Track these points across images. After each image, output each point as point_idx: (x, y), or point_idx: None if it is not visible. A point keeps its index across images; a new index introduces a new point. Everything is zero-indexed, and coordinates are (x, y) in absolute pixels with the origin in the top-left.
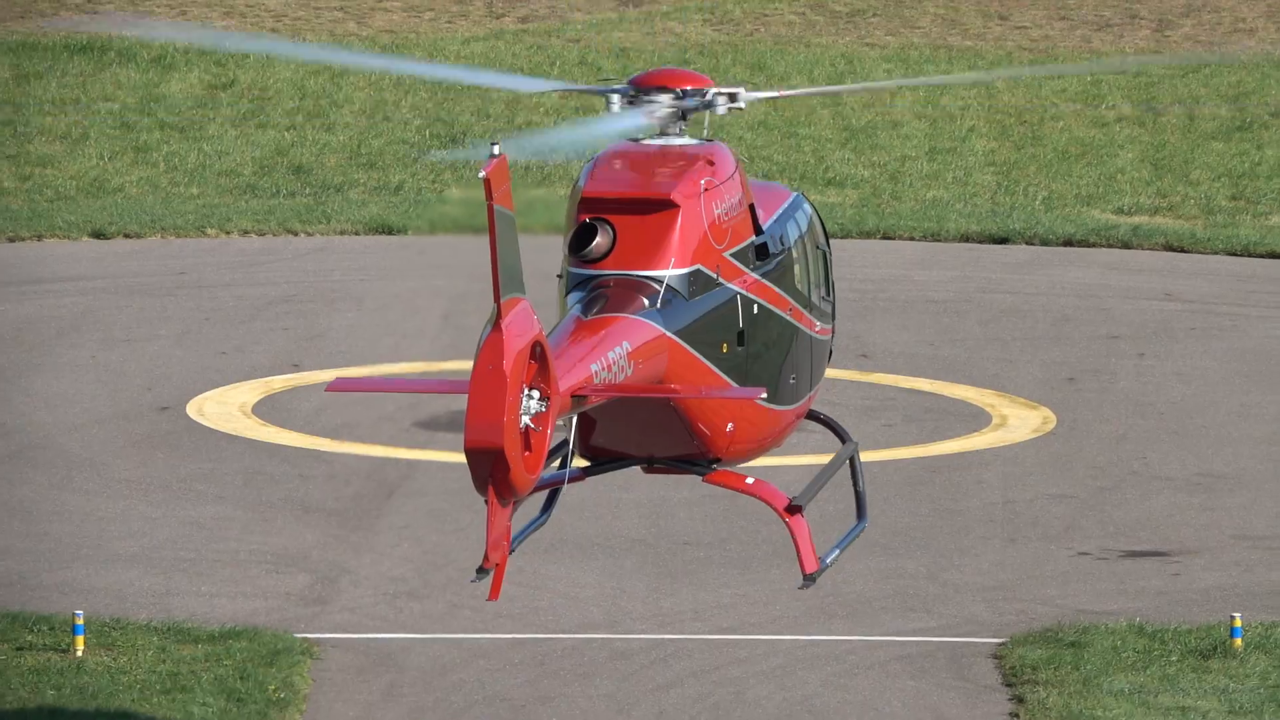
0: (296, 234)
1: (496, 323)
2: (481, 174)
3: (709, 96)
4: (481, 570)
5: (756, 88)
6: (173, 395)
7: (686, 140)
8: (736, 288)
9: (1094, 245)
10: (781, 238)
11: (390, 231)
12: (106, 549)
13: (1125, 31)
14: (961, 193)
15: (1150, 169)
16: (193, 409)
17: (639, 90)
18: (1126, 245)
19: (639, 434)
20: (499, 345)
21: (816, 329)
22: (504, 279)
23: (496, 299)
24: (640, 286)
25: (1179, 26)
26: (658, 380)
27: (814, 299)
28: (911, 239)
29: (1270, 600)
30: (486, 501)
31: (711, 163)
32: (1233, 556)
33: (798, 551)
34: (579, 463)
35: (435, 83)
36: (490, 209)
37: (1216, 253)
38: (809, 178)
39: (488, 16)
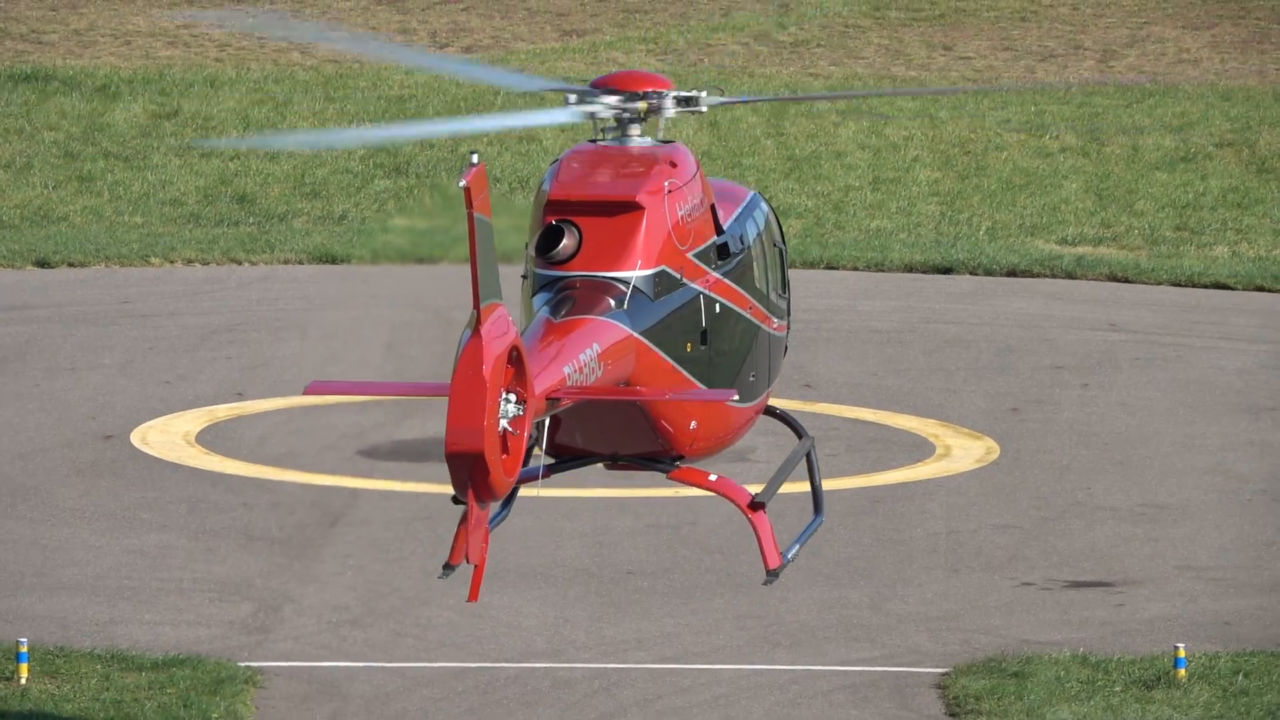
0: (240, 263)
1: (476, 328)
2: (462, 183)
3: (669, 99)
4: (448, 566)
5: (719, 93)
6: (117, 424)
7: (646, 141)
8: (699, 288)
9: (1038, 275)
10: (741, 237)
11: (334, 261)
12: (50, 577)
13: (1069, 62)
14: (905, 223)
15: (1094, 199)
16: (137, 437)
17: (600, 91)
18: (1070, 276)
19: (605, 432)
20: (478, 351)
21: (774, 325)
22: (483, 285)
23: (476, 305)
24: (607, 288)
25: (1123, 57)
26: (626, 380)
27: (771, 297)
28: (855, 269)
29: (1214, 631)
30: (465, 504)
31: (674, 164)
32: (1177, 587)
33: (760, 547)
34: (545, 460)
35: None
36: (470, 217)
37: (1160, 283)
38: None
39: (431, 46)
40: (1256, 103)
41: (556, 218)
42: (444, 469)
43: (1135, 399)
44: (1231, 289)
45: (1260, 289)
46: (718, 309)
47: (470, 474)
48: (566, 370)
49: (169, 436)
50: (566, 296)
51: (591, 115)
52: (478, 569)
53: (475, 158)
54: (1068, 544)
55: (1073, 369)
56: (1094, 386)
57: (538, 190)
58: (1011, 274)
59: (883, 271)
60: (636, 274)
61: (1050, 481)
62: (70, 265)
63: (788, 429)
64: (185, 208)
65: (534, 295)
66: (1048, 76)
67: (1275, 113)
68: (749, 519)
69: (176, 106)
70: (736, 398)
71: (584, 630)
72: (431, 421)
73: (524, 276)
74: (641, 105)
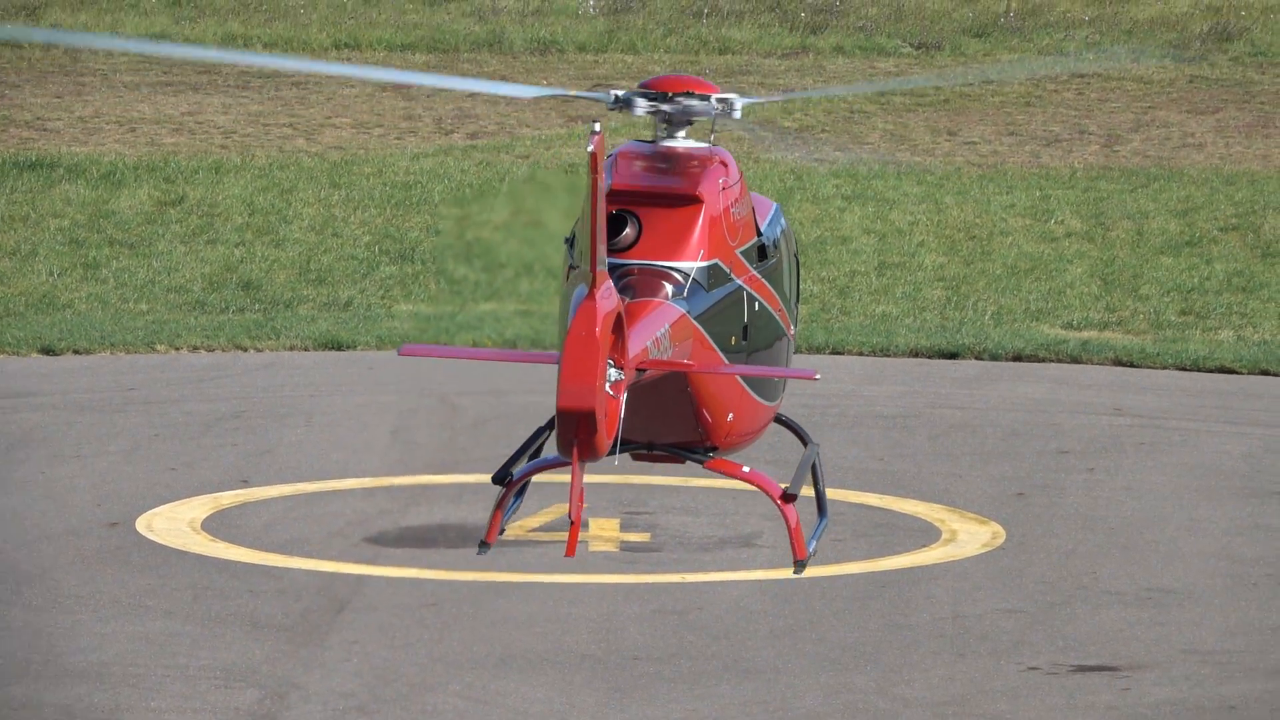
0: (246, 350)
1: (591, 292)
2: (590, 148)
3: (712, 102)
4: (484, 544)
5: (749, 95)
6: (122, 511)
7: (691, 143)
8: (743, 283)
9: (1043, 360)
10: (775, 241)
11: (339, 347)
12: (55, 664)
13: (1074, 147)
14: (911, 307)
15: (1099, 284)
16: (142, 524)
17: (650, 93)
18: (1076, 360)
19: (645, 420)
20: (593, 313)
21: (791, 331)
22: (598, 252)
23: (594, 268)
24: (666, 276)
25: (1128, 141)
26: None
27: (793, 302)
28: (860, 354)
29: (1220, 715)
30: (570, 463)
31: (725, 164)
32: (1183, 671)
33: (791, 538)
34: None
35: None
36: (595, 182)
37: (1166, 367)
38: None
39: (436, 133)
40: (1261, 187)
41: (617, 208)
42: (448, 555)
43: (1141, 483)
44: (1237, 373)
45: (1266, 373)
46: (756, 306)
47: (578, 431)
48: (648, 344)
49: (174, 523)
50: (629, 283)
51: (646, 114)
52: (575, 527)
53: (598, 125)
54: (1073, 628)
55: (1078, 453)
56: (1099, 471)
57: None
58: (1017, 358)
59: (888, 356)
60: (694, 264)
61: (1056, 566)
62: (75, 352)
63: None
64: (190, 295)
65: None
66: (1053, 161)
67: None
68: (781, 510)
69: (182, 193)
70: (818, 376)
71: (590, 716)
72: (439, 508)
73: (572, 266)
74: (697, 108)
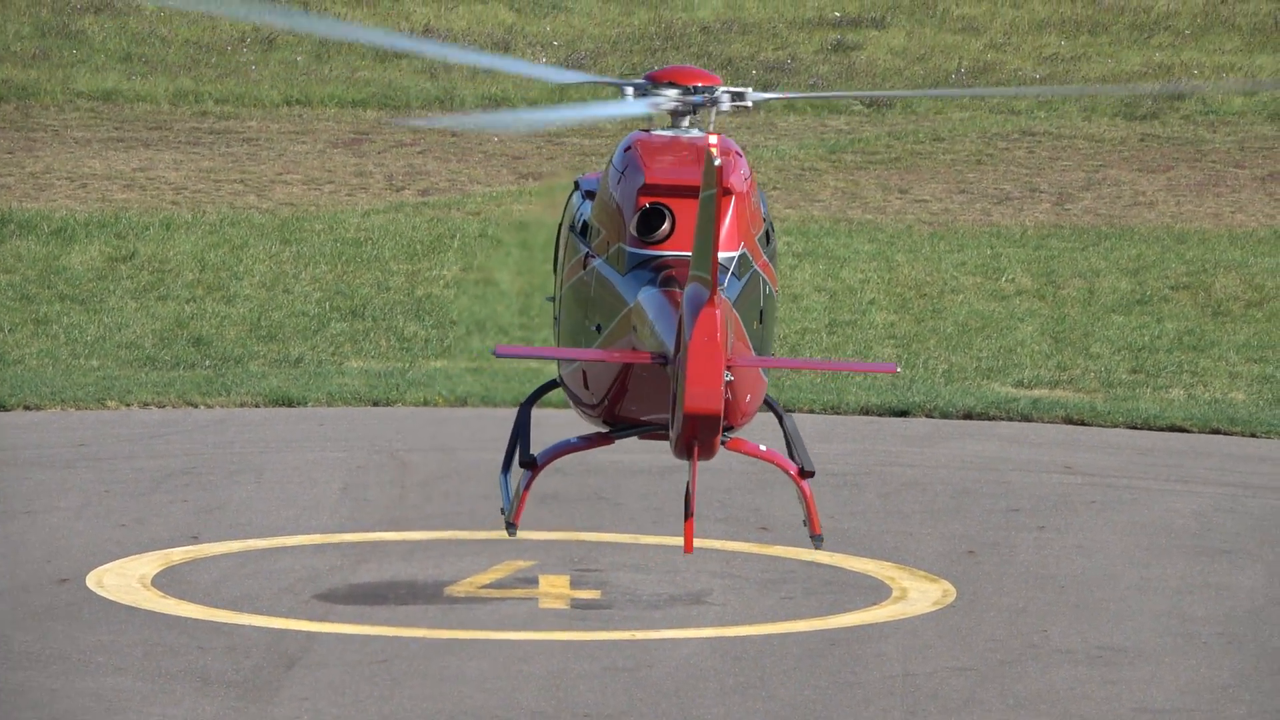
0: (196, 406)
1: (711, 298)
2: (717, 161)
3: (718, 94)
4: (512, 525)
5: (765, 89)
6: (72, 567)
7: (697, 133)
8: (759, 269)
9: (994, 418)
10: (770, 222)
11: (290, 404)
12: None
13: (1025, 205)
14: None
15: (1050, 342)
16: (92, 581)
17: (654, 85)
18: (1026, 418)
19: (653, 403)
20: (714, 319)
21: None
22: (716, 258)
23: (713, 275)
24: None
25: (1079, 200)
26: None
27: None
28: (811, 412)
29: None
30: (690, 461)
31: (740, 155)
32: None
33: (809, 514)
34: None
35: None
36: (719, 192)
37: (1117, 426)
38: None
39: (388, 189)
40: (1212, 245)
41: (651, 200)
42: (399, 612)
43: (1092, 541)
44: (1188, 431)
45: (1216, 431)
46: (767, 290)
47: (703, 433)
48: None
49: (125, 579)
50: (673, 274)
51: (654, 107)
52: (690, 522)
53: (713, 138)
54: (1024, 687)
55: (1029, 511)
56: (1050, 529)
57: (611, 175)
58: (968, 416)
59: (839, 414)
60: (728, 254)
61: (1006, 624)
62: (26, 408)
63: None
64: (141, 351)
65: (627, 272)
66: (1004, 220)
67: (1231, 256)
68: (800, 486)
69: (133, 249)
70: (898, 370)
71: None
72: (390, 565)
73: (550, 299)
74: (704, 99)
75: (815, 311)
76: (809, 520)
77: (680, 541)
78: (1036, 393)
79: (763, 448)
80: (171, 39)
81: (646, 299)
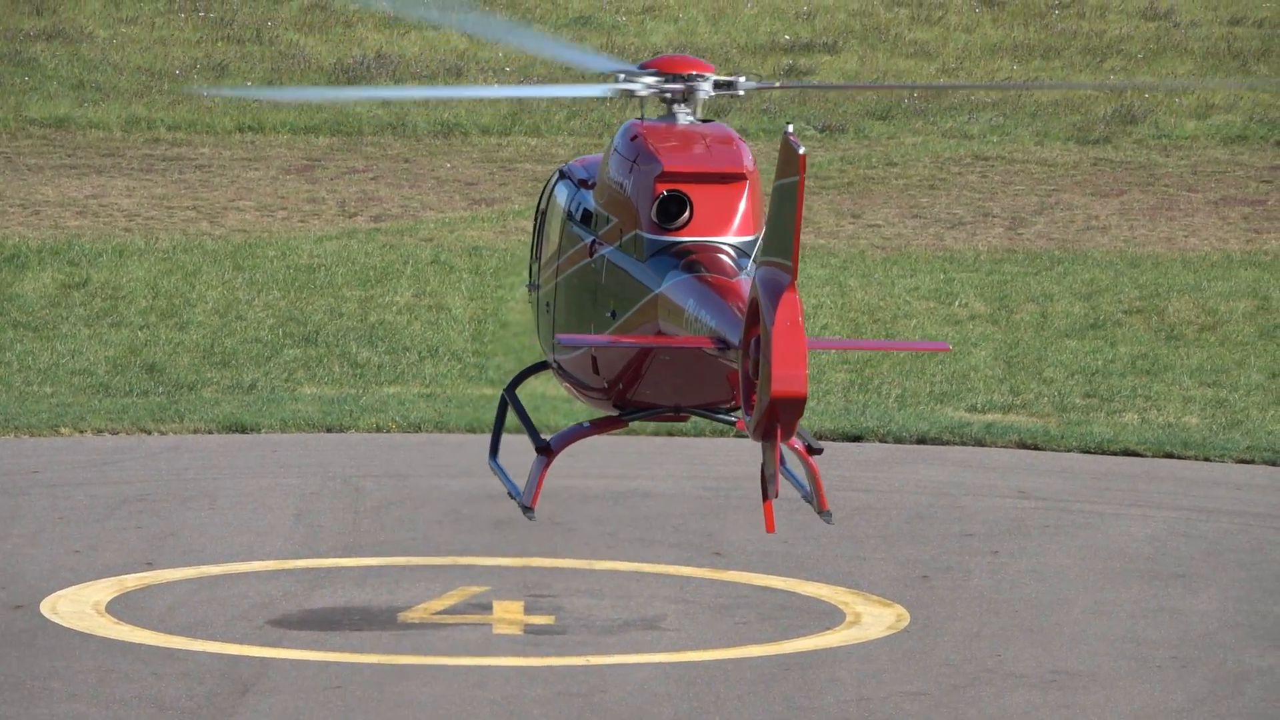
0: (150, 433)
1: (791, 283)
2: (801, 150)
3: (712, 82)
4: (529, 509)
5: (757, 79)
6: (26, 594)
7: (694, 120)
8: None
9: (947, 443)
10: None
11: (243, 430)
12: None
13: (978, 229)
14: (815, 390)
15: (1003, 367)
16: (46, 607)
17: (652, 72)
18: (980, 443)
19: (682, 384)
20: (796, 304)
21: None
22: (798, 245)
23: (794, 261)
24: (725, 250)
25: (1032, 224)
26: None
27: None
28: None
29: None
30: (770, 444)
31: (743, 140)
32: None
33: (818, 491)
34: (602, 414)
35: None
36: (802, 182)
37: (1070, 450)
38: None
39: (340, 216)
40: (1165, 270)
41: (669, 187)
42: (353, 637)
43: (1045, 566)
44: (1141, 455)
45: (1169, 455)
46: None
47: (786, 416)
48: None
49: (79, 606)
50: (696, 260)
51: (642, 90)
52: (770, 504)
53: (791, 126)
54: (978, 711)
55: (983, 536)
56: (1004, 553)
57: (617, 163)
58: (921, 441)
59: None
60: (748, 238)
61: (961, 649)
62: None
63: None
64: (94, 377)
65: (649, 258)
66: (957, 244)
67: (1184, 280)
68: (808, 464)
69: (86, 276)
70: (950, 349)
71: None
72: (343, 591)
73: (532, 285)
74: (699, 87)
75: None
76: (816, 497)
77: (635, 568)
78: (990, 417)
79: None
80: (123, 66)
81: (680, 286)
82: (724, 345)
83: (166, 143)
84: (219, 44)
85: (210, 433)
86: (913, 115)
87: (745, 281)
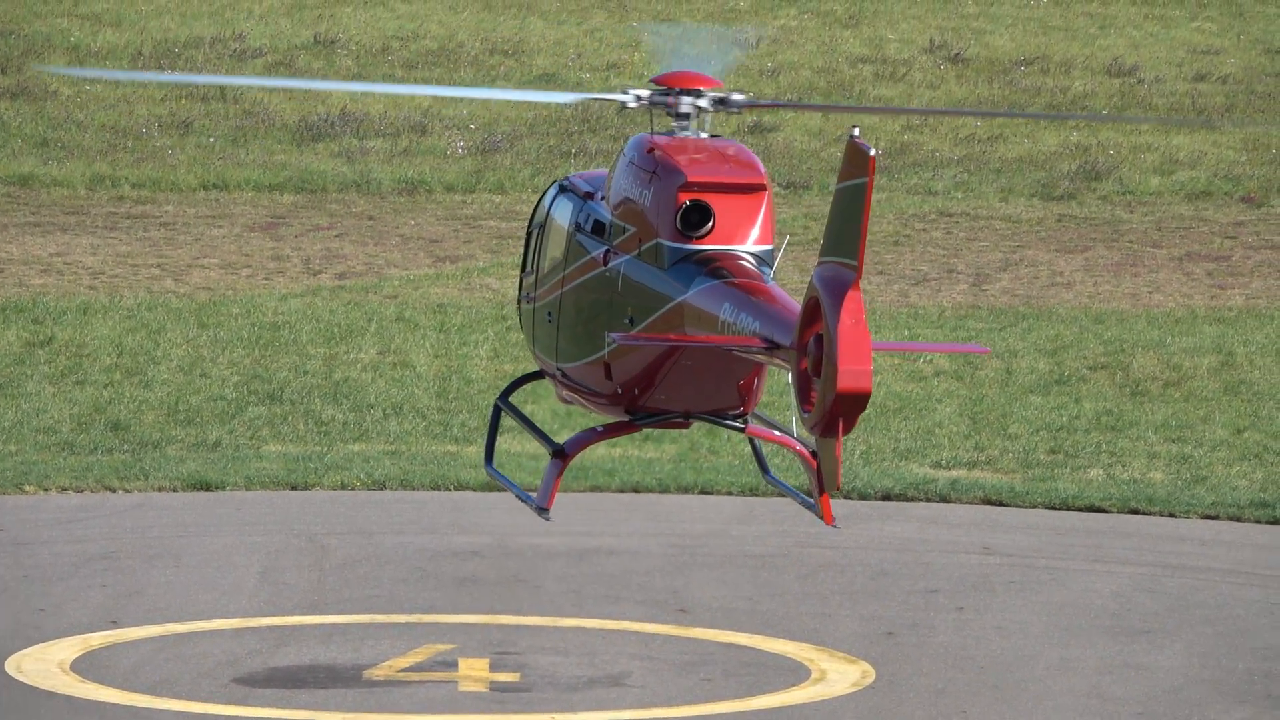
0: (114, 490)
1: (855, 282)
2: (873, 151)
3: (718, 97)
4: (544, 510)
5: (754, 98)
6: None
7: (702, 134)
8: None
9: (912, 499)
10: None
11: (208, 488)
12: None
13: (943, 285)
14: (779, 447)
15: (968, 423)
16: (11, 666)
17: (661, 89)
18: (945, 499)
19: (697, 390)
20: (860, 303)
21: None
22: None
23: (860, 261)
24: (746, 259)
25: (996, 280)
26: None
27: None
28: (729, 494)
29: None
30: (830, 439)
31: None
32: None
33: (826, 499)
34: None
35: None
36: (870, 183)
37: (1035, 506)
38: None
39: (305, 273)
40: (1130, 325)
41: (691, 197)
42: (318, 695)
43: (1010, 622)
44: (1106, 511)
45: (1134, 511)
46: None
47: (851, 411)
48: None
49: (44, 664)
50: (721, 266)
51: (660, 106)
52: (826, 496)
53: (857, 130)
54: None
55: (948, 592)
56: (969, 610)
57: (633, 176)
58: (886, 498)
59: (757, 496)
60: (767, 247)
61: (926, 705)
62: None
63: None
64: (59, 435)
65: (670, 266)
66: (921, 301)
67: (1148, 336)
68: (809, 463)
69: (50, 334)
70: (989, 352)
71: None
72: (308, 649)
73: (527, 299)
74: (707, 102)
75: None
76: (819, 502)
77: (601, 625)
78: (955, 474)
79: (776, 433)
80: (88, 124)
81: (710, 291)
82: (772, 346)
83: (131, 200)
84: (183, 101)
85: (175, 490)
86: (877, 172)
87: (775, 287)
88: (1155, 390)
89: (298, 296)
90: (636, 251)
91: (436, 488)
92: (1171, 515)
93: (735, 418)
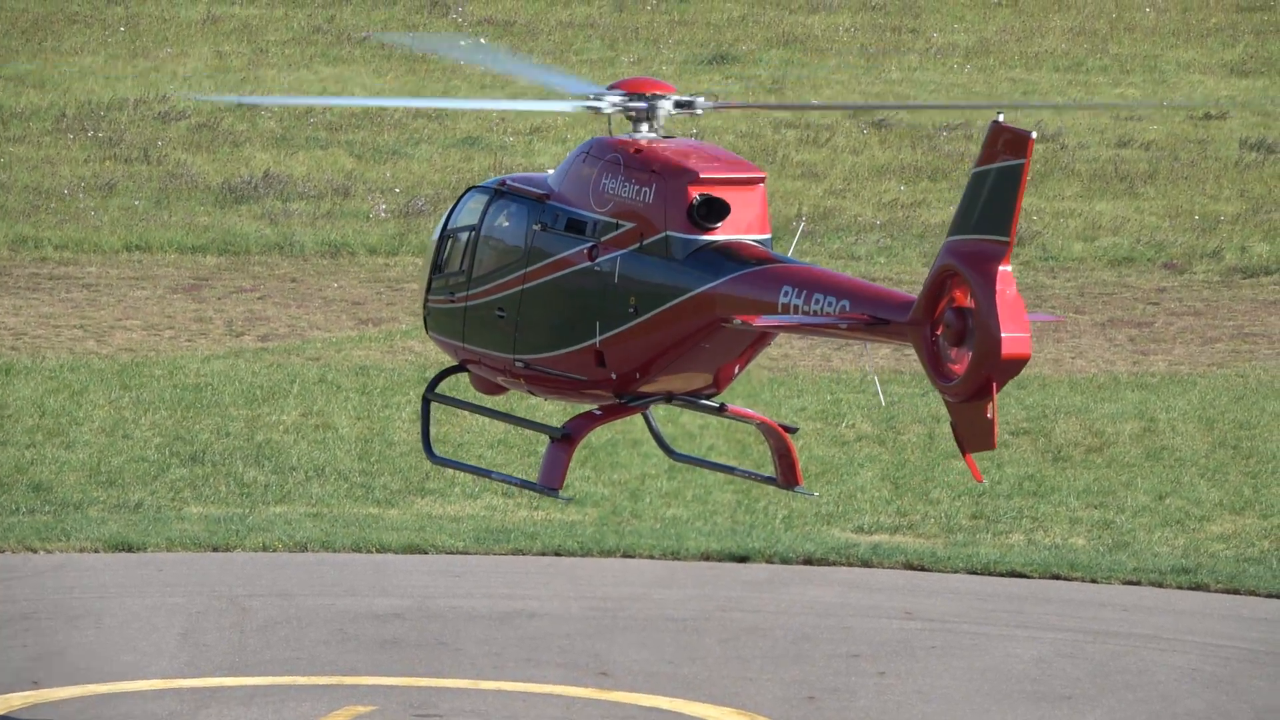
0: (36, 551)
1: (1006, 256)
2: (1033, 135)
3: (674, 101)
4: (552, 490)
5: (714, 99)
6: None
7: (649, 135)
8: None
9: (834, 564)
10: None
11: (130, 549)
12: None
13: (865, 350)
14: (701, 510)
15: (890, 488)
16: None
17: (623, 94)
18: (866, 564)
19: (686, 372)
20: (1011, 276)
21: None
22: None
23: (1011, 240)
24: (759, 246)
25: None
26: None
27: None
28: (651, 557)
29: None
30: (982, 401)
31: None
32: None
33: (795, 465)
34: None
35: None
36: (1027, 167)
37: (957, 571)
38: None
39: (227, 335)
40: (1052, 391)
41: (702, 191)
42: None
43: (932, 687)
44: (1027, 577)
45: (1056, 577)
46: None
47: (1010, 374)
48: None
49: None
50: (748, 256)
51: (609, 109)
52: (970, 456)
53: (1002, 116)
54: None
55: (869, 657)
56: (890, 674)
57: (621, 173)
58: (808, 562)
59: (679, 560)
60: (768, 236)
61: None
62: None
63: None
64: None
65: (685, 257)
66: (844, 365)
67: (1071, 401)
68: (786, 441)
69: None
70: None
71: None
72: (230, 710)
73: (453, 296)
74: (664, 107)
75: (655, 457)
76: (791, 471)
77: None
78: (877, 538)
79: (752, 412)
80: (11, 185)
81: (757, 277)
82: (878, 321)
83: (54, 261)
84: (107, 163)
85: (96, 551)
86: (801, 237)
87: (827, 269)
88: (1077, 456)
89: (220, 358)
90: (637, 245)
91: (358, 550)
92: (1093, 581)
93: (710, 398)
